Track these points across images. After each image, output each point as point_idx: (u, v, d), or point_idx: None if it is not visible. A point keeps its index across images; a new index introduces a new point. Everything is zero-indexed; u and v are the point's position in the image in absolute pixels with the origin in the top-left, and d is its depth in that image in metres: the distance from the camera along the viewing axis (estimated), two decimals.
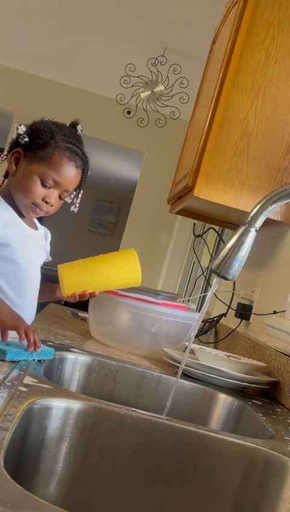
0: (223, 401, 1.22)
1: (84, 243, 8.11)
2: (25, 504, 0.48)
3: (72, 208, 1.38)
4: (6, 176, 1.38)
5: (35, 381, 0.89)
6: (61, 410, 0.84)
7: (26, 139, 1.29)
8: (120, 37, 3.86)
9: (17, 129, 1.30)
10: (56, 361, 1.20)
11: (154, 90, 3.92)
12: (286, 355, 1.33)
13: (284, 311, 1.49)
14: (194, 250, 3.29)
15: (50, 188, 1.30)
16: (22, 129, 1.30)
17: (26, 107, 5.38)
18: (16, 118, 5.35)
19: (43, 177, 1.29)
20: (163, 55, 3.73)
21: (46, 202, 1.31)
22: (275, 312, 1.52)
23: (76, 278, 1.30)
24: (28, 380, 0.88)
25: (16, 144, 1.32)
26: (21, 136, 1.30)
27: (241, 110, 1.55)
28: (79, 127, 1.37)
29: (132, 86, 3.89)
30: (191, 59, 3.54)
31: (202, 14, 3.11)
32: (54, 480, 0.83)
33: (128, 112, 4.10)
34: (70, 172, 1.31)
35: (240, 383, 1.26)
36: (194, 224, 2.56)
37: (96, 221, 8.20)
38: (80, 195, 1.38)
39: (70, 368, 1.24)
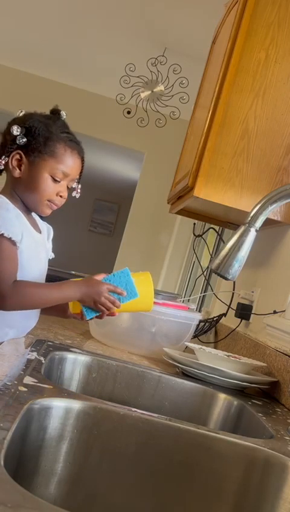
0: (223, 401, 1.22)
1: (84, 243, 8.12)
2: (25, 504, 0.48)
3: (74, 194, 1.37)
4: None
5: (35, 381, 0.89)
6: (61, 410, 0.84)
7: (25, 139, 1.27)
8: (120, 37, 3.86)
9: (12, 130, 1.28)
10: (56, 361, 1.20)
11: (154, 90, 3.92)
12: (286, 355, 1.33)
13: (284, 311, 1.49)
14: (194, 250, 3.28)
15: (60, 181, 1.29)
16: (18, 130, 1.27)
17: (26, 107, 5.38)
18: None
19: (53, 173, 1.28)
20: (163, 55, 3.73)
21: (60, 196, 1.31)
22: (275, 312, 1.52)
23: None
24: (28, 380, 0.88)
25: (11, 145, 1.29)
26: (18, 137, 1.27)
27: (241, 110, 1.55)
28: (63, 113, 1.36)
29: (132, 86, 3.89)
30: (191, 59, 3.54)
31: (202, 14, 3.11)
32: (54, 480, 0.83)
33: (129, 112, 4.10)
34: (75, 162, 1.31)
35: (240, 383, 1.26)
36: (194, 224, 2.56)
37: (96, 221, 8.20)
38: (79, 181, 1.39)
39: (70, 367, 1.24)
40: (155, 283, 1.23)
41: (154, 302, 1.51)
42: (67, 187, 1.33)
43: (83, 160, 1.35)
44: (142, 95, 3.95)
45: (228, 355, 1.39)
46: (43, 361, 1.08)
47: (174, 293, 2.10)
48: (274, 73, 1.56)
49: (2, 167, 1.30)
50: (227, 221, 2.01)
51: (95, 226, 8.23)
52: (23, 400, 0.77)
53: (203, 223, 2.88)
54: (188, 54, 3.64)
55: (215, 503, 0.87)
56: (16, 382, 0.85)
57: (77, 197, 1.38)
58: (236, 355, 1.43)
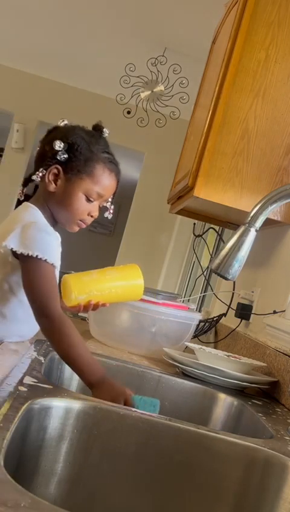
0: (223, 401, 1.22)
1: (84, 243, 8.12)
2: (25, 504, 0.48)
3: (106, 214, 1.35)
4: (25, 184, 1.35)
5: (35, 381, 0.89)
6: (61, 410, 0.84)
7: (66, 156, 1.24)
8: (120, 37, 3.86)
9: (55, 145, 1.23)
10: (56, 361, 1.20)
11: (154, 90, 3.92)
12: (286, 355, 1.33)
13: (284, 311, 1.49)
14: (194, 250, 3.28)
15: (93, 201, 1.27)
16: (60, 145, 1.23)
17: (26, 107, 5.39)
18: (16, 117, 5.35)
19: (88, 193, 1.26)
20: (163, 55, 3.73)
21: (91, 216, 1.30)
22: (275, 312, 1.52)
23: (83, 288, 1.29)
24: (28, 380, 0.88)
25: (51, 159, 1.25)
26: (60, 153, 1.24)
27: (241, 110, 1.55)
28: (105, 131, 1.32)
29: (132, 86, 3.89)
30: (191, 59, 3.54)
31: (202, 14, 3.11)
32: (54, 480, 0.83)
33: (129, 112, 4.10)
34: (112, 184, 1.29)
35: (240, 383, 1.26)
36: (194, 224, 2.56)
37: (96, 221, 8.16)
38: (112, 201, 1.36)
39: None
40: (155, 283, 1.24)
41: (155, 302, 1.51)
42: (99, 206, 1.31)
43: (118, 181, 1.33)
44: (142, 95, 3.95)
45: (228, 355, 1.39)
46: (43, 361, 1.08)
47: (174, 293, 2.10)
48: (274, 73, 1.56)
49: (39, 179, 1.27)
50: (227, 221, 2.01)
51: (95, 226, 8.23)
52: (23, 400, 0.77)
53: (203, 223, 2.88)
54: (188, 54, 3.64)
55: (215, 503, 0.87)
56: (16, 382, 0.85)
57: (109, 218, 1.36)
58: (236, 355, 1.43)
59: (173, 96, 3.85)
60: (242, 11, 1.56)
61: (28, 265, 1.17)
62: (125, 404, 0.98)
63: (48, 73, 5.15)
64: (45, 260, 1.16)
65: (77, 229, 1.33)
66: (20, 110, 5.34)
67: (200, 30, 3.16)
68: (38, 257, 1.15)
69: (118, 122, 4.81)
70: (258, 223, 1.03)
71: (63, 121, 1.31)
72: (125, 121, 4.42)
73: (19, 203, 1.37)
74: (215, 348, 1.84)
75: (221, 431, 0.94)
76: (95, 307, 1.31)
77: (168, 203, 2.15)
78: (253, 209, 1.04)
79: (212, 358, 1.33)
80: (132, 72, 3.82)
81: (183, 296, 3.60)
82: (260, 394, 1.33)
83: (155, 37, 3.68)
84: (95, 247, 8.10)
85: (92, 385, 1.02)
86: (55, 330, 1.09)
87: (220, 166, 1.55)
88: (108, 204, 1.34)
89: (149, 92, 3.94)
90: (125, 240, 5.47)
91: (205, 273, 2.66)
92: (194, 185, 1.57)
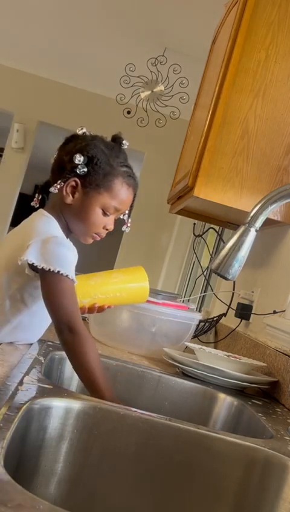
0: (223, 401, 1.22)
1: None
2: (25, 504, 0.48)
3: (123, 228, 1.35)
4: (40, 192, 1.34)
5: (35, 381, 0.89)
6: (61, 410, 0.84)
7: (85, 169, 1.22)
8: (120, 37, 3.86)
9: (74, 158, 1.22)
10: (56, 361, 1.20)
11: (154, 90, 3.93)
12: (286, 355, 1.34)
13: (284, 311, 1.49)
14: (194, 250, 3.29)
15: (110, 215, 1.27)
16: (80, 159, 1.22)
17: (26, 107, 5.39)
18: (16, 117, 5.35)
19: (105, 207, 1.25)
20: (163, 55, 3.73)
21: (106, 229, 1.29)
22: (275, 312, 1.52)
23: (88, 292, 1.29)
24: (28, 380, 0.88)
25: (70, 173, 1.24)
26: (79, 167, 1.22)
27: (241, 110, 1.55)
28: (125, 143, 1.30)
29: (132, 86, 3.89)
30: (191, 59, 3.54)
31: (202, 14, 3.11)
32: (54, 480, 0.83)
33: (129, 112, 4.10)
34: (129, 198, 1.28)
35: (240, 382, 1.26)
36: (194, 224, 2.56)
37: None
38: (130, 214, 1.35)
39: (70, 367, 1.23)
40: (155, 283, 1.24)
41: (155, 302, 1.51)
42: (115, 219, 1.30)
43: (135, 194, 1.31)
44: (142, 95, 3.95)
45: (228, 355, 1.39)
46: (43, 361, 1.08)
47: (174, 293, 2.10)
48: (274, 73, 1.56)
49: (57, 191, 1.25)
50: (227, 221, 2.01)
51: None
52: (23, 400, 0.77)
53: (203, 223, 2.88)
54: (188, 54, 3.64)
55: (215, 503, 0.87)
56: (16, 382, 0.85)
57: (127, 232, 1.36)
58: (236, 355, 1.43)
59: (173, 96, 3.85)
60: (242, 11, 1.56)
61: (49, 280, 1.15)
62: None
63: (48, 73, 5.15)
64: (66, 276, 1.14)
65: (91, 241, 1.32)
66: (20, 110, 5.34)
67: (200, 30, 3.16)
68: (60, 273, 1.13)
69: (118, 122, 4.81)
70: (258, 223, 1.03)
71: (82, 129, 1.28)
72: (125, 121, 4.41)
73: (23, 205, 1.37)
74: (215, 348, 1.84)
75: (221, 431, 0.94)
76: (100, 309, 1.31)
77: (168, 203, 2.15)
78: (253, 209, 1.04)
79: (212, 358, 1.33)
80: (132, 72, 3.82)
81: (183, 296, 3.61)
82: (260, 394, 1.33)
83: (155, 37, 3.68)
84: (95, 247, 8.10)
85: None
86: (77, 346, 1.09)
87: (220, 166, 1.55)
88: (125, 217, 1.33)
89: (149, 92, 3.94)
90: (125, 240, 5.47)
91: (205, 273, 2.66)
92: (194, 185, 1.57)
